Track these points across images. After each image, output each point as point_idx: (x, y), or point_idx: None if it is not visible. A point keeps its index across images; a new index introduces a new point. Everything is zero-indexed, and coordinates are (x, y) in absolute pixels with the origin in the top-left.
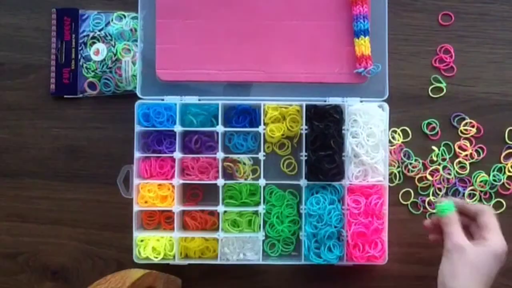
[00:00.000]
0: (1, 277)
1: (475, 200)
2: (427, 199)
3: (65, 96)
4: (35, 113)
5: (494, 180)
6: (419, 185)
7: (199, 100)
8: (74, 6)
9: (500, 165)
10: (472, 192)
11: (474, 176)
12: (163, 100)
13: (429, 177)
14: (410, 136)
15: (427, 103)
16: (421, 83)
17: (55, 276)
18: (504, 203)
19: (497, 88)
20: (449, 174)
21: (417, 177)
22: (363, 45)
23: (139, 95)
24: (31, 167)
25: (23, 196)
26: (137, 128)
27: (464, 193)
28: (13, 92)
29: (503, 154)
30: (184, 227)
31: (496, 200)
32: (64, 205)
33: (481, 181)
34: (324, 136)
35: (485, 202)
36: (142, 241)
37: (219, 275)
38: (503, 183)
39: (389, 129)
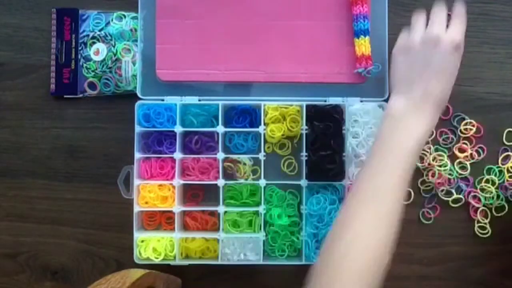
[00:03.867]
0: (1, 277)
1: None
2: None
3: (65, 96)
4: (35, 113)
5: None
6: (422, 187)
7: (199, 100)
8: (74, 6)
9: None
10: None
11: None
12: (163, 100)
13: (430, 178)
14: None
15: None
16: None
17: (55, 276)
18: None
19: (497, 88)
20: (450, 174)
21: (420, 180)
22: (363, 45)
23: (139, 95)
24: (31, 167)
25: (23, 196)
26: (138, 129)
27: (467, 191)
28: (13, 92)
29: (501, 157)
30: (185, 227)
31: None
32: (64, 205)
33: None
34: (325, 136)
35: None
36: (142, 241)
37: (219, 275)
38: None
39: None
